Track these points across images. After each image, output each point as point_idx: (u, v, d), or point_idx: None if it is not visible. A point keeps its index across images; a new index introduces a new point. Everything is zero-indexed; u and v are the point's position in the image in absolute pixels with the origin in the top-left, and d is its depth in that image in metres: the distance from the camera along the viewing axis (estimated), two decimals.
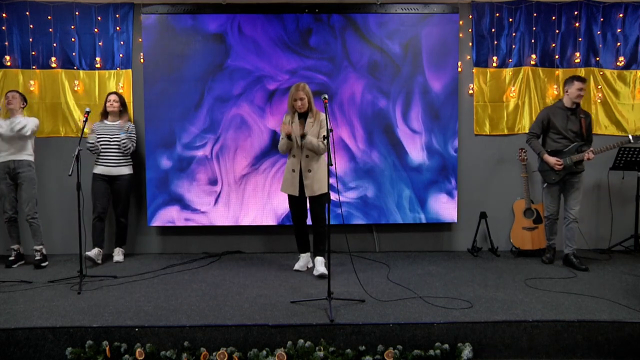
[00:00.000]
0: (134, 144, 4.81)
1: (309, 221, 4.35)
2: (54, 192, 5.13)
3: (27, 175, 4.64)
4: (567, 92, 4.46)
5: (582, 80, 4.41)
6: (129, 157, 4.84)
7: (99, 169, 4.71)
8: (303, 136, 4.09)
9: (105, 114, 4.79)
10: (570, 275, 4.21)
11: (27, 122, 4.60)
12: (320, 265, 4.20)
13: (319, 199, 4.16)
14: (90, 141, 4.63)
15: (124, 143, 4.68)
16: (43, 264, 4.64)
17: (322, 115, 4.17)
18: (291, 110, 4.23)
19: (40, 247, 4.70)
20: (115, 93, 4.81)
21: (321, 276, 4.08)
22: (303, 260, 4.45)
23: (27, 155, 4.67)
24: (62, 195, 5.11)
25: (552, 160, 4.43)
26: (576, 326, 3.14)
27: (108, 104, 4.74)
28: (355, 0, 5.03)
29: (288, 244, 5.09)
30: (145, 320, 3.19)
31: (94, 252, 4.68)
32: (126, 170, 4.79)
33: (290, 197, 4.30)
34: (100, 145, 4.68)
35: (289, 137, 4.14)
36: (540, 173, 4.64)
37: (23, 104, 4.73)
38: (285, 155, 4.52)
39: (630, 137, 4.46)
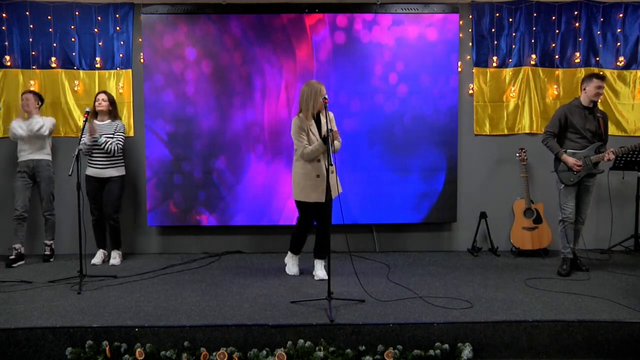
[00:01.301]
0: (120, 144, 4.65)
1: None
2: (54, 192, 5.13)
3: (45, 174, 4.78)
4: (584, 90, 4.24)
5: (601, 78, 4.21)
6: (120, 158, 4.74)
7: (90, 171, 4.65)
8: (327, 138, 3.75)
9: (94, 114, 4.67)
10: (571, 275, 4.20)
11: (45, 122, 4.70)
12: (320, 270, 4.13)
13: (332, 201, 3.94)
14: (88, 143, 4.53)
15: (103, 146, 4.55)
16: (51, 259, 4.83)
17: (331, 114, 4.01)
18: (307, 112, 3.91)
19: (51, 242, 4.86)
20: (104, 92, 4.73)
21: (321, 280, 4.03)
22: (296, 265, 4.30)
23: (46, 154, 4.80)
24: (62, 195, 5.10)
25: (571, 160, 4.19)
26: (576, 326, 3.14)
27: (97, 104, 4.64)
28: (356, 0, 5.04)
29: (288, 244, 5.07)
30: (145, 320, 3.19)
31: (98, 259, 4.74)
32: (115, 172, 4.69)
33: (309, 204, 3.98)
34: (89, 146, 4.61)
35: (324, 140, 3.80)
36: (557, 174, 4.33)
37: (38, 104, 4.79)
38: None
39: None
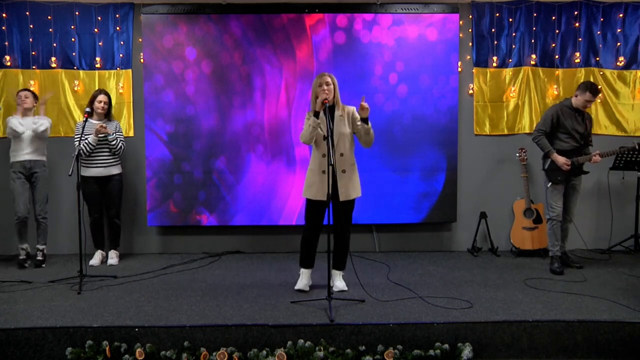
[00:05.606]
0: (124, 143, 4.70)
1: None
2: (53, 192, 5.11)
3: (41, 175, 4.68)
4: (576, 96, 4.33)
5: (595, 93, 4.23)
6: (117, 157, 4.73)
7: (89, 172, 4.57)
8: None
9: (90, 113, 4.49)
10: (571, 275, 4.20)
11: (44, 123, 4.62)
12: (339, 281, 3.82)
13: (351, 203, 3.72)
14: (93, 143, 4.49)
15: (113, 144, 4.56)
16: (43, 265, 4.67)
17: (351, 108, 3.76)
18: (312, 105, 3.71)
19: (44, 247, 4.74)
20: (104, 92, 4.66)
21: (341, 292, 3.75)
22: (306, 277, 3.84)
23: (42, 155, 4.71)
24: (62, 195, 5.11)
25: (561, 160, 4.27)
26: (576, 326, 3.14)
27: (97, 104, 4.56)
28: (356, 0, 5.04)
29: (288, 244, 5.09)
30: (145, 320, 3.19)
31: (96, 260, 4.74)
32: (116, 170, 4.69)
33: (314, 203, 3.69)
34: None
35: (315, 115, 3.55)
36: (545, 172, 4.43)
37: (35, 103, 4.71)
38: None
39: (637, 144, 4.44)
